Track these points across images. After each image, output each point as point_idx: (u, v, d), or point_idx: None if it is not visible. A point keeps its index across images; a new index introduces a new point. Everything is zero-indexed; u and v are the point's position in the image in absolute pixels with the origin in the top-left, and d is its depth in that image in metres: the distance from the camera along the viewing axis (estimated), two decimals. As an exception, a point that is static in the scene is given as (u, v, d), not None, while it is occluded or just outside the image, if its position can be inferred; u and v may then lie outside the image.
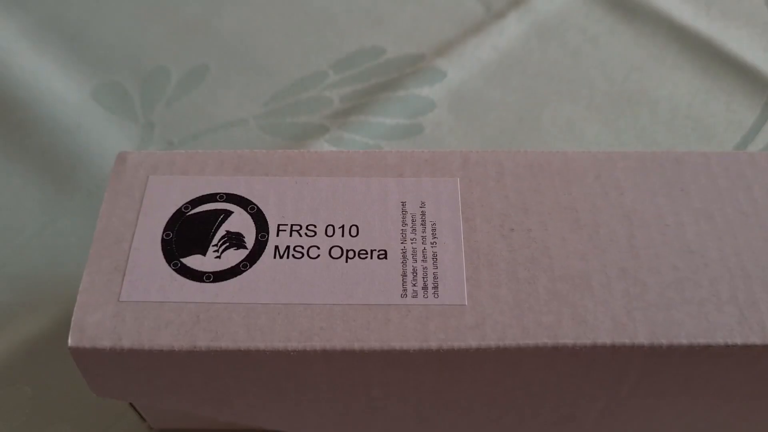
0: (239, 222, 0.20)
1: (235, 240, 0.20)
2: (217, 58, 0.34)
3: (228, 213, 0.20)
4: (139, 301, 0.19)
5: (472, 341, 0.18)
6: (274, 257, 0.19)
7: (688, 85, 0.33)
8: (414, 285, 0.19)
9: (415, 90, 0.32)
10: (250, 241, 0.20)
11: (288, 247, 0.20)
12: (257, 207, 0.20)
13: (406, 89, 0.32)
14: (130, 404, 0.23)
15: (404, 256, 0.19)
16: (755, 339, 0.18)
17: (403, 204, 0.20)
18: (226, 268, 0.19)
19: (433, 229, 0.20)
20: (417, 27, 0.35)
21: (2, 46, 0.34)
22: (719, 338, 0.18)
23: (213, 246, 0.20)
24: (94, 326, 0.18)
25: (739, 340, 0.18)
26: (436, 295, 0.19)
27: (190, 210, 0.20)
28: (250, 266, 0.19)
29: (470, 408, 0.21)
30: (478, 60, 0.34)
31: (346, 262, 0.19)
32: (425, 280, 0.19)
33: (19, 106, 0.32)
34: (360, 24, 0.35)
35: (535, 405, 0.21)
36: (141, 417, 0.23)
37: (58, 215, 0.29)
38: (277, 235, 0.20)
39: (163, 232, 0.20)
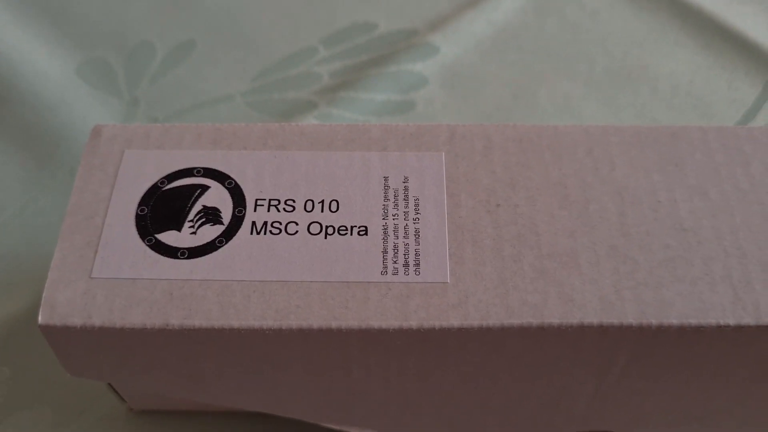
0: (216, 197, 0.19)
1: (211, 215, 0.19)
2: (203, 33, 0.33)
3: (205, 188, 0.20)
4: (111, 278, 0.18)
5: (454, 320, 0.17)
6: (251, 233, 0.19)
7: (690, 61, 0.32)
8: (395, 262, 0.18)
9: (407, 66, 0.31)
10: (226, 216, 0.19)
11: (265, 223, 0.19)
12: (235, 181, 0.20)
13: (398, 65, 0.31)
14: (109, 385, 0.22)
15: (385, 233, 0.19)
16: (749, 320, 0.18)
17: (386, 179, 0.20)
18: (201, 244, 0.19)
19: (416, 205, 0.19)
20: (410, 2, 0.34)
21: (-16, 20, 0.33)
22: (711, 319, 0.18)
23: (189, 221, 0.19)
24: (64, 304, 0.18)
25: (731, 321, 0.18)
26: (417, 273, 0.18)
27: (166, 185, 0.20)
28: (226, 242, 0.19)
29: (455, 391, 0.20)
30: (473, 35, 0.33)
31: (325, 238, 0.19)
32: (406, 257, 0.18)
33: (0, 82, 0.31)
34: (352, -2, 0.35)
35: (521, 388, 0.20)
36: (121, 398, 0.23)
37: (40, 194, 0.28)
38: (255, 211, 0.19)
39: (138, 207, 0.19)
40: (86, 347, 0.18)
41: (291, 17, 0.34)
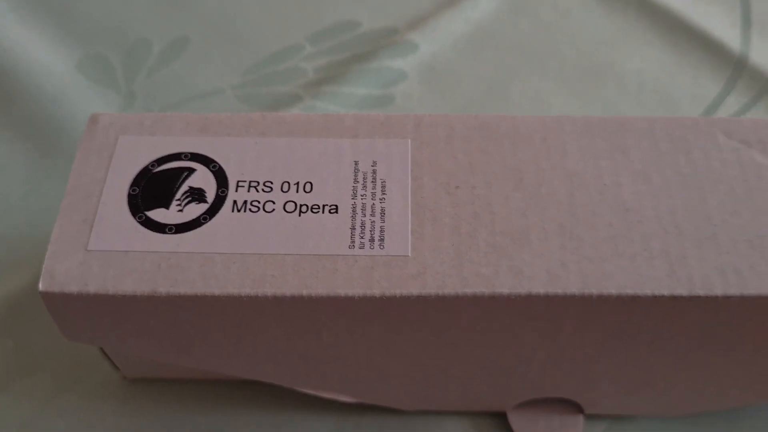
0: (201, 178, 0.21)
1: (196, 195, 0.21)
2: (197, 30, 0.35)
3: (191, 170, 0.21)
4: (105, 251, 0.20)
5: (413, 289, 0.19)
6: (233, 211, 0.21)
7: (657, 59, 0.34)
8: (362, 237, 0.20)
9: (388, 62, 0.33)
10: (210, 196, 0.21)
11: (245, 202, 0.21)
12: (219, 165, 0.22)
13: (379, 61, 0.33)
14: (104, 354, 0.24)
15: (354, 211, 0.21)
16: (682, 291, 0.19)
17: (356, 163, 0.22)
18: (187, 220, 0.20)
19: (383, 186, 0.21)
20: (392, 1, 0.36)
21: (-10, 17, 0.35)
22: (647, 289, 0.19)
23: (176, 200, 0.21)
24: (63, 273, 0.20)
25: (666, 292, 0.19)
26: (381, 247, 0.20)
27: (156, 167, 0.22)
28: (210, 219, 0.20)
29: (418, 356, 0.22)
30: (451, 33, 0.35)
31: (299, 215, 0.21)
32: (372, 233, 0.20)
33: (6, 76, 0.33)
34: (338, -2, 0.36)
35: (478, 355, 0.22)
36: (114, 367, 0.25)
37: (42, 180, 0.30)
38: (236, 191, 0.21)
39: (130, 188, 0.21)
40: (82, 313, 0.20)
41: (279, 16, 0.36)
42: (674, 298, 0.19)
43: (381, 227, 0.20)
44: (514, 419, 0.25)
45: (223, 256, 0.20)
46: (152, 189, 0.21)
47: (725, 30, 0.35)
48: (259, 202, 0.21)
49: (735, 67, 0.34)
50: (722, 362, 0.22)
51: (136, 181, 0.21)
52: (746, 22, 0.36)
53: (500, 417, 0.25)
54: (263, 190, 0.21)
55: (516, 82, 0.33)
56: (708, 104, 0.33)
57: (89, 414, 0.25)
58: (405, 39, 0.34)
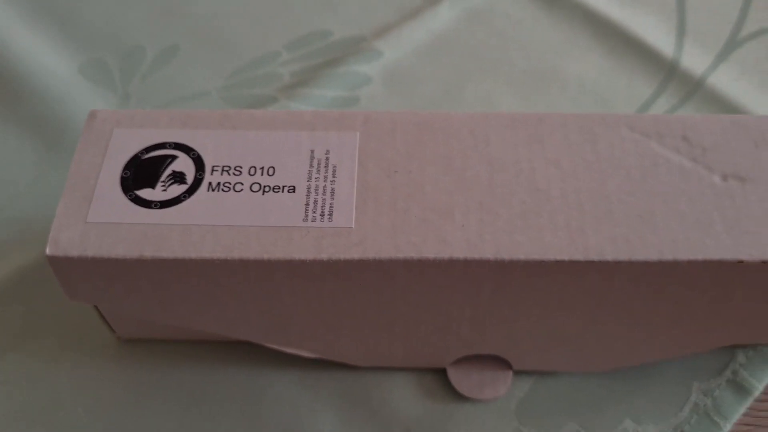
0: (182, 164, 0.25)
1: (178, 177, 0.25)
2: (187, 38, 0.39)
3: (174, 157, 0.26)
4: (101, 222, 0.24)
5: (355, 254, 0.23)
6: (208, 190, 0.25)
7: (596, 64, 0.38)
8: (314, 212, 0.24)
9: (355, 67, 0.37)
10: (190, 178, 0.25)
11: (219, 183, 0.25)
12: (197, 153, 0.26)
13: (347, 66, 0.37)
14: (102, 317, 0.28)
15: (308, 191, 0.25)
16: (579, 256, 0.23)
17: (312, 151, 0.26)
18: (169, 198, 0.24)
19: (334, 171, 0.25)
20: (362, 13, 0.40)
21: (2, 26, 0.39)
22: (550, 255, 0.23)
23: (161, 182, 0.25)
24: (66, 240, 0.24)
25: (566, 257, 0.23)
26: (330, 220, 0.24)
27: (145, 155, 0.26)
28: (189, 197, 0.25)
29: (364, 316, 0.26)
30: (413, 41, 0.39)
31: (263, 194, 0.25)
32: (323, 208, 0.24)
33: (15, 78, 0.37)
34: (312, 10, 0.41)
35: (416, 314, 0.26)
36: (110, 329, 0.29)
37: (48, 170, 0.34)
38: (211, 174, 0.25)
39: (122, 171, 0.25)
40: (81, 275, 0.24)
41: (260, 26, 0.40)
42: (573, 263, 0.23)
43: (330, 204, 0.24)
44: (453, 374, 0.29)
45: (199, 227, 0.24)
46: (141, 172, 0.25)
47: (660, 38, 0.39)
48: (229, 184, 0.25)
49: (668, 71, 0.38)
50: (623, 322, 0.26)
51: (128, 166, 0.25)
52: (681, 31, 0.40)
53: (441, 373, 0.29)
54: (233, 173, 0.25)
55: (470, 85, 0.37)
56: (640, 105, 0.37)
57: (88, 370, 0.29)
58: (371, 46, 0.38)
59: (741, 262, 0.23)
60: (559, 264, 0.23)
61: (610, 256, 0.23)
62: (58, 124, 0.35)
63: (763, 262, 0.23)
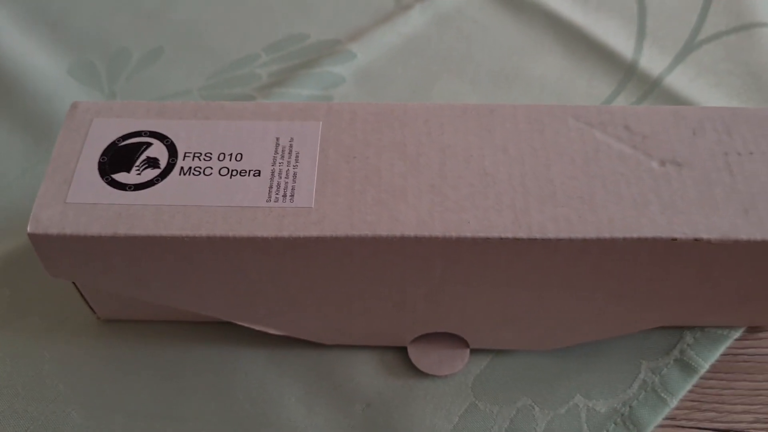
0: (157, 150, 0.27)
1: (152, 162, 0.27)
2: (170, 41, 0.41)
3: (149, 144, 0.27)
4: (79, 203, 0.26)
5: (313, 232, 0.25)
6: (180, 174, 0.27)
7: (558, 65, 0.40)
8: (277, 194, 0.26)
9: (329, 68, 0.39)
10: (163, 163, 0.27)
11: (190, 168, 0.27)
12: (171, 140, 0.28)
13: (322, 67, 0.39)
14: (83, 298, 0.30)
15: (272, 174, 0.26)
16: (522, 234, 0.25)
17: (277, 139, 0.27)
18: (143, 181, 0.26)
19: (297, 157, 0.27)
20: (337, 17, 0.42)
21: (-4, 30, 0.41)
22: (495, 233, 0.25)
23: (136, 167, 0.27)
24: (46, 219, 0.25)
25: (510, 235, 0.25)
26: (292, 201, 0.26)
27: (122, 142, 0.27)
28: (161, 180, 0.26)
29: (326, 293, 0.27)
30: (385, 44, 0.41)
31: (230, 178, 0.26)
32: (285, 190, 0.26)
33: (7, 77, 0.39)
34: (290, 14, 0.43)
35: (374, 291, 0.27)
36: (91, 309, 0.31)
37: (36, 162, 0.36)
38: (183, 159, 0.27)
39: (100, 157, 0.27)
40: (61, 252, 0.26)
41: (240, 30, 0.42)
42: (516, 240, 0.25)
43: (292, 187, 0.26)
44: (413, 352, 0.30)
45: (170, 207, 0.26)
46: (117, 158, 0.27)
47: (621, 41, 0.41)
48: (200, 168, 0.27)
49: (626, 71, 0.40)
50: (568, 299, 0.28)
51: (105, 152, 0.27)
52: (641, 34, 0.42)
53: (402, 351, 0.31)
54: (204, 159, 0.27)
55: (437, 85, 0.39)
56: (600, 103, 0.39)
57: (70, 348, 0.31)
58: (345, 49, 0.40)
59: (674, 239, 0.25)
60: (503, 241, 0.25)
61: (551, 234, 0.25)
62: (47, 120, 0.37)
63: (696, 240, 0.25)
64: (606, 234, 0.25)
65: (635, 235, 0.25)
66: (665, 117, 0.29)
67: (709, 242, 0.25)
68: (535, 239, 0.25)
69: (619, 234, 0.25)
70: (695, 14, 0.43)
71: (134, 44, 0.41)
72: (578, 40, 0.41)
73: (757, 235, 0.25)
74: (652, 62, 0.40)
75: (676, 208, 0.26)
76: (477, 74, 0.40)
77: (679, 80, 0.40)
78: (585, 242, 0.25)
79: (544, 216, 0.26)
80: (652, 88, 0.39)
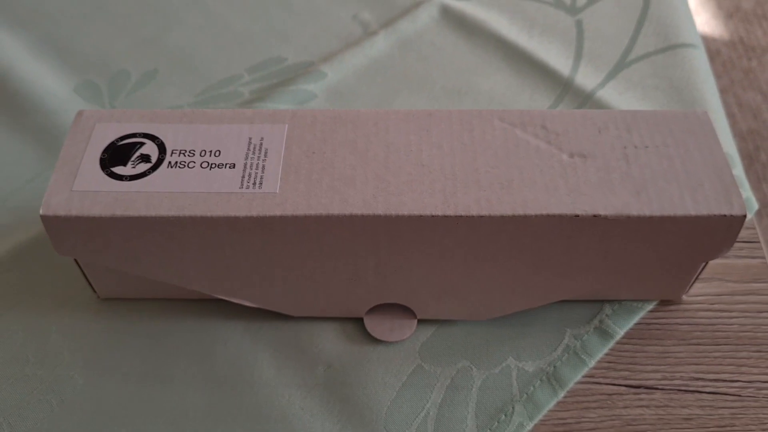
0: (149, 148, 0.33)
1: (145, 158, 0.32)
2: (164, 64, 0.47)
3: (142, 143, 0.33)
4: (83, 191, 0.31)
5: (277, 212, 0.30)
6: (168, 167, 0.32)
7: (504, 82, 0.46)
8: (248, 182, 0.31)
9: (303, 86, 0.45)
10: (154, 158, 0.32)
11: (176, 162, 0.32)
12: (161, 140, 0.33)
13: (297, 85, 0.45)
14: (86, 279, 0.35)
15: (245, 167, 0.32)
16: (450, 212, 0.30)
17: (250, 138, 0.33)
18: (137, 173, 0.32)
19: (266, 153, 0.32)
20: (311, 42, 0.48)
21: (9, 54, 0.47)
22: (427, 212, 0.30)
23: (131, 161, 0.32)
24: (56, 203, 0.31)
25: (440, 213, 0.30)
26: (260, 188, 0.31)
27: (119, 142, 0.33)
28: (152, 172, 0.32)
29: (290, 266, 0.33)
30: (353, 65, 0.47)
31: (210, 170, 0.32)
32: (255, 179, 0.31)
33: (20, 95, 0.45)
34: (271, 40, 0.49)
35: (331, 265, 0.32)
36: (93, 289, 0.36)
37: (46, 168, 0.41)
38: (171, 155, 0.32)
39: (101, 154, 0.32)
40: (67, 231, 0.31)
41: (226, 53, 0.48)
42: (445, 217, 0.30)
43: (261, 176, 0.31)
44: (368, 322, 0.35)
45: (158, 194, 0.31)
46: (115, 154, 0.32)
47: (560, 60, 0.47)
48: (185, 162, 0.32)
49: (564, 86, 0.46)
50: (494, 272, 0.33)
51: (106, 150, 0.32)
52: (578, 55, 0.48)
53: (359, 321, 0.36)
54: (188, 155, 0.32)
55: (398, 100, 0.45)
56: (538, 113, 0.44)
57: (73, 321, 0.35)
58: (318, 69, 0.46)
59: (577, 216, 0.30)
60: (435, 218, 0.30)
61: (474, 212, 0.30)
62: (55, 132, 0.43)
63: (594, 216, 0.30)
64: (520, 212, 0.30)
65: (544, 212, 0.30)
66: (576, 118, 0.34)
67: (605, 218, 0.30)
68: (461, 216, 0.30)
69: (531, 212, 0.30)
70: (627, 37, 0.49)
71: (133, 66, 0.47)
72: (523, 59, 0.47)
73: (646, 212, 0.30)
74: (586, 78, 0.46)
75: (579, 191, 0.31)
76: (433, 90, 0.45)
77: (610, 94, 0.45)
78: (503, 219, 0.30)
79: (469, 198, 0.31)
80: (585, 101, 0.45)
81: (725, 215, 0.30)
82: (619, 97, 0.45)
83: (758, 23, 1.45)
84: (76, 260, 0.34)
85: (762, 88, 1.33)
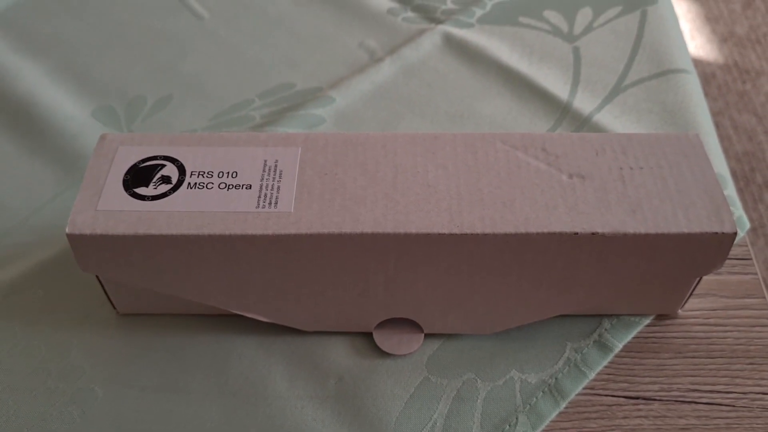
0: (169, 170, 0.34)
1: (165, 179, 0.34)
2: (179, 89, 0.49)
3: (163, 165, 0.35)
4: (107, 210, 0.33)
5: (292, 230, 0.32)
6: (187, 188, 0.34)
7: (506, 106, 0.48)
8: (264, 202, 0.33)
9: (312, 110, 0.47)
10: (174, 180, 0.34)
11: (196, 183, 0.34)
12: (181, 162, 0.35)
13: (306, 110, 0.47)
14: (106, 294, 0.36)
15: (261, 188, 0.33)
16: (456, 230, 0.32)
17: (265, 161, 0.35)
18: (158, 193, 0.33)
19: (281, 174, 0.34)
20: (320, 69, 0.50)
21: (31, 81, 0.49)
22: (434, 230, 0.32)
23: (153, 182, 0.34)
24: (81, 222, 0.32)
25: (446, 231, 0.32)
26: (276, 207, 0.33)
27: (142, 164, 0.35)
28: (173, 193, 0.33)
29: (303, 282, 0.34)
30: (360, 90, 0.49)
31: (227, 191, 0.33)
32: (271, 199, 0.33)
33: (41, 120, 0.47)
34: (281, 67, 0.51)
35: (342, 280, 0.34)
36: (113, 305, 0.37)
37: (65, 189, 0.43)
38: (190, 177, 0.34)
39: (124, 176, 0.34)
40: (92, 248, 0.33)
41: (238, 80, 0.50)
42: (452, 235, 0.32)
43: (276, 196, 0.33)
44: (377, 336, 0.37)
45: (179, 213, 0.33)
46: (138, 176, 0.34)
47: (558, 86, 0.49)
48: (203, 184, 0.34)
49: (562, 111, 0.48)
50: (499, 287, 0.34)
51: (128, 172, 0.34)
52: (576, 81, 0.50)
53: (369, 336, 0.37)
54: (207, 176, 0.34)
55: (403, 123, 0.47)
56: (538, 136, 0.46)
57: (93, 336, 0.37)
58: (326, 95, 0.48)
59: (576, 233, 0.32)
60: (441, 236, 0.32)
61: (479, 230, 0.32)
62: (74, 155, 0.45)
63: (593, 234, 0.32)
64: (522, 230, 0.32)
65: (545, 230, 0.32)
66: (574, 141, 0.36)
67: (603, 236, 0.32)
68: (466, 234, 0.32)
69: (532, 230, 0.32)
70: (623, 63, 0.51)
71: (148, 92, 0.49)
72: (523, 85, 0.49)
73: (642, 230, 0.32)
74: (583, 103, 0.48)
75: (578, 209, 0.33)
76: (436, 114, 0.47)
77: (606, 118, 0.47)
78: (506, 236, 0.32)
79: (473, 217, 0.33)
80: (583, 125, 0.47)
81: (716, 233, 0.32)
82: (615, 120, 0.47)
83: (752, 47, 1.48)
84: (97, 276, 0.35)
85: (756, 110, 1.36)
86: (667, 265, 0.34)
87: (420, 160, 0.35)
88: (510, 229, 0.32)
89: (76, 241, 0.32)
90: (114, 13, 0.55)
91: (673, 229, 0.32)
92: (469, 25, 0.54)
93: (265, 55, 0.52)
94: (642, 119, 0.47)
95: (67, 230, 0.32)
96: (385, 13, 0.55)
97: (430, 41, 0.52)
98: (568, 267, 0.34)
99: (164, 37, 0.53)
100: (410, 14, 0.55)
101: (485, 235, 0.32)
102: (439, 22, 0.54)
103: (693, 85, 0.50)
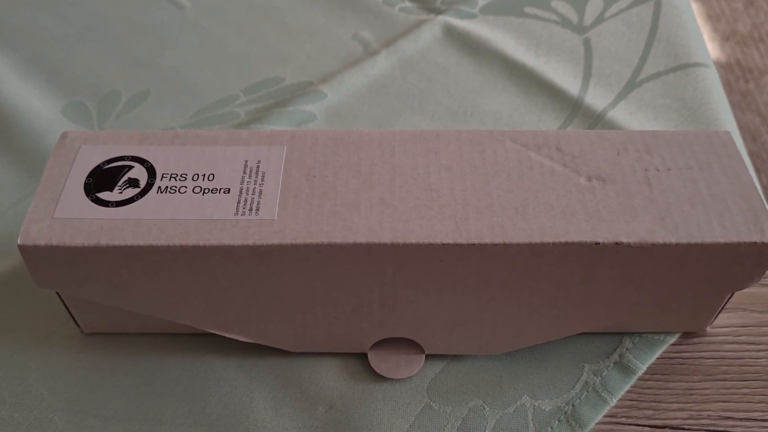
0: (137, 172, 0.30)
1: (133, 183, 0.30)
2: (157, 85, 0.45)
3: (130, 167, 0.31)
4: (65, 218, 0.29)
5: (275, 240, 0.28)
6: (157, 193, 0.30)
7: (512, 102, 0.44)
8: (244, 208, 0.29)
9: (302, 107, 0.43)
10: (143, 183, 0.30)
11: (167, 187, 0.30)
12: (150, 163, 0.31)
13: (295, 106, 0.43)
14: (68, 312, 0.32)
15: (240, 192, 0.30)
16: (461, 240, 0.28)
17: (246, 161, 0.31)
18: (124, 198, 0.29)
19: (263, 176, 0.30)
20: (310, 62, 0.46)
21: (-3, 76, 0.45)
22: (437, 239, 0.28)
23: (118, 186, 0.30)
24: (35, 232, 0.28)
25: (451, 241, 0.28)
26: (257, 214, 0.29)
27: (106, 165, 0.31)
28: (141, 198, 0.29)
29: (289, 298, 0.30)
30: (353, 85, 0.45)
31: (203, 195, 0.30)
32: (252, 205, 0.29)
33: (5, 117, 0.43)
34: (268, 60, 0.47)
35: (332, 296, 0.30)
36: (76, 323, 0.33)
37: (29, 193, 0.39)
38: (161, 180, 0.30)
39: (86, 178, 0.30)
40: (48, 262, 0.29)
41: (221, 73, 0.46)
42: (457, 246, 0.28)
43: (258, 201, 0.29)
44: (372, 357, 0.33)
45: (147, 221, 0.29)
46: (101, 179, 0.30)
47: (568, 80, 0.45)
48: (176, 187, 0.30)
49: (573, 107, 0.44)
50: (508, 302, 0.30)
51: (91, 174, 0.30)
52: (587, 75, 0.46)
53: (363, 357, 0.33)
54: (179, 179, 0.30)
55: (400, 121, 0.43)
56: (548, 135, 0.42)
57: (54, 358, 0.33)
58: (317, 90, 0.44)
59: (597, 243, 0.28)
60: (445, 247, 0.28)
61: (488, 239, 0.28)
62: (41, 155, 0.41)
63: (617, 244, 0.28)
64: (536, 239, 0.28)
65: (562, 240, 0.28)
66: (592, 139, 0.32)
67: (628, 245, 0.28)
68: (473, 244, 0.28)
69: (548, 239, 0.28)
70: (637, 56, 0.47)
71: (124, 88, 0.45)
72: (530, 79, 0.45)
73: (672, 239, 0.28)
74: (596, 99, 0.44)
75: (599, 216, 0.29)
76: (437, 111, 0.43)
77: (621, 115, 0.43)
78: (518, 247, 0.28)
79: (481, 224, 0.29)
80: (596, 122, 0.43)
81: (755, 242, 0.28)
82: (631, 117, 0.43)
83: (755, 46, 1.45)
84: (57, 293, 0.31)
85: (760, 110, 1.33)
86: (699, 279, 0.30)
87: (420, 161, 0.31)
88: (522, 238, 0.28)
89: (30, 253, 0.28)
90: (88, 3, 0.51)
91: (707, 239, 0.28)
92: (472, 16, 0.50)
93: (251, 47, 0.48)
94: (660, 116, 0.43)
95: (19, 241, 0.28)
96: (381, 2, 0.51)
97: (430, 33, 0.48)
98: (587, 281, 0.30)
99: (142, 28, 0.49)
100: (408, 4, 0.51)
101: (494, 245, 0.28)
102: (439, 12, 0.50)
103: (713, 80, 0.46)
